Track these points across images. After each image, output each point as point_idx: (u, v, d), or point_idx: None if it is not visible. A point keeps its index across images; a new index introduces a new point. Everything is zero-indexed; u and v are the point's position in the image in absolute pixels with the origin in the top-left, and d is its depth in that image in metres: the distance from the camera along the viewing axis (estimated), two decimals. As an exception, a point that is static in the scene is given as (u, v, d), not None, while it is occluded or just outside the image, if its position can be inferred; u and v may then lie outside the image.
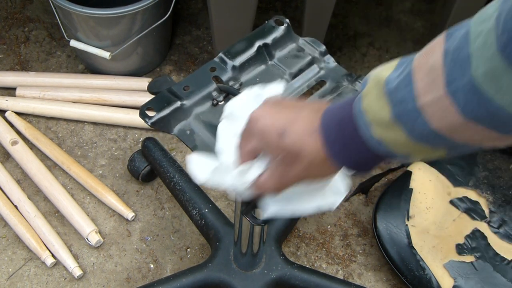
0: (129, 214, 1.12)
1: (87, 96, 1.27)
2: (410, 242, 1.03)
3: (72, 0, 1.15)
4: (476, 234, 1.04)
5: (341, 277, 1.08)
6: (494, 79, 0.35)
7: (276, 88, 0.57)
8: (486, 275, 1.00)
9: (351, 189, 1.21)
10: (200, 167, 0.58)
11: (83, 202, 1.16)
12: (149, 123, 0.62)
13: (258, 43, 0.72)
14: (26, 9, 1.50)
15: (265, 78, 0.72)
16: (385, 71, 0.44)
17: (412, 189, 1.08)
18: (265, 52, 0.73)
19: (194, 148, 0.64)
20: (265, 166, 0.53)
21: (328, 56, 0.76)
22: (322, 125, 0.47)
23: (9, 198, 1.12)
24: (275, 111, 0.51)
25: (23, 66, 1.37)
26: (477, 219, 1.06)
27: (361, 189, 1.17)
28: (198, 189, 1.05)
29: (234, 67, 0.70)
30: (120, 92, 1.29)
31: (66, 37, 1.28)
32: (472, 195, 1.09)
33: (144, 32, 1.24)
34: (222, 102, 0.68)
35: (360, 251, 1.12)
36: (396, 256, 1.03)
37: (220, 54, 0.70)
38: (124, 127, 1.28)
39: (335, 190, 0.57)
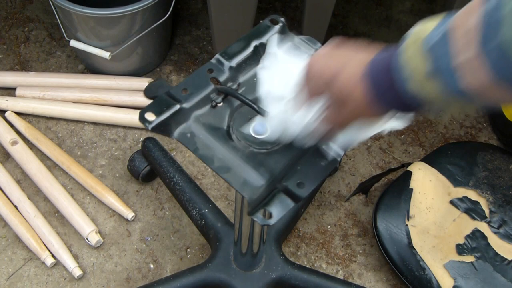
0: (129, 214, 1.12)
1: (87, 96, 1.27)
2: (410, 242, 1.03)
3: (72, 0, 1.15)
4: (476, 234, 1.04)
5: (341, 277, 1.08)
6: None
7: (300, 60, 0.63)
8: (486, 275, 1.00)
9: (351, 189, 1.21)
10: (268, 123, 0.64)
11: (83, 202, 1.16)
12: (150, 128, 0.62)
13: (254, 43, 0.72)
14: (26, 9, 1.50)
15: None
16: (427, 27, 0.47)
17: (412, 189, 1.08)
18: (261, 52, 0.73)
19: (195, 150, 0.64)
20: (323, 108, 0.59)
21: None
22: (367, 73, 0.52)
23: (9, 198, 1.12)
24: (330, 56, 0.56)
25: (23, 66, 1.37)
26: (477, 219, 1.06)
27: (361, 189, 1.17)
28: (198, 189, 1.05)
29: (231, 68, 0.70)
30: (120, 92, 1.30)
31: (66, 37, 1.28)
32: (472, 195, 1.09)
33: (144, 32, 1.24)
34: (221, 104, 0.68)
35: (360, 251, 1.12)
36: (396, 256, 1.03)
37: (217, 56, 0.70)
38: (124, 127, 1.28)
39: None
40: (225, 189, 1.19)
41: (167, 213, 1.15)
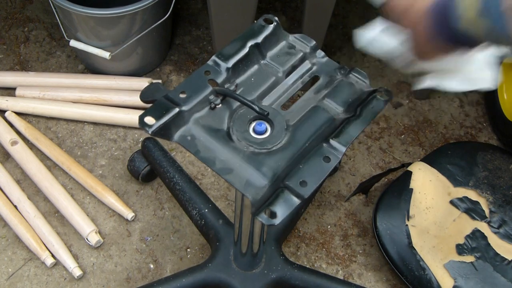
0: (129, 214, 1.12)
1: (87, 96, 1.27)
2: (410, 242, 1.03)
3: (72, 0, 1.15)
4: (476, 234, 1.04)
5: (341, 277, 1.08)
6: None
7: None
8: (486, 275, 1.00)
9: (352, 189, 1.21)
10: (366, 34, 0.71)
11: (83, 202, 1.16)
12: (150, 132, 0.62)
13: (250, 43, 0.72)
14: (26, 9, 1.50)
15: (259, 78, 0.72)
16: None
17: (412, 189, 1.08)
18: (257, 52, 0.73)
19: (196, 153, 0.64)
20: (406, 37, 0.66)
21: (319, 51, 0.76)
22: (431, 10, 0.59)
23: (9, 198, 1.12)
24: None
25: (23, 66, 1.37)
26: (477, 219, 1.06)
27: (361, 189, 1.17)
28: (198, 189, 1.05)
29: (228, 69, 0.70)
30: (120, 92, 1.30)
31: (66, 37, 1.28)
32: (472, 195, 1.09)
33: (144, 32, 1.24)
34: (220, 105, 0.68)
35: (360, 251, 1.12)
36: (396, 256, 1.03)
37: (213, 57, 0.70)
38: (124, 127, 1.28)
39: (480, 75, 0.67)
40: (225, 189, 1.19)
41: (167, 213, 1.15)
